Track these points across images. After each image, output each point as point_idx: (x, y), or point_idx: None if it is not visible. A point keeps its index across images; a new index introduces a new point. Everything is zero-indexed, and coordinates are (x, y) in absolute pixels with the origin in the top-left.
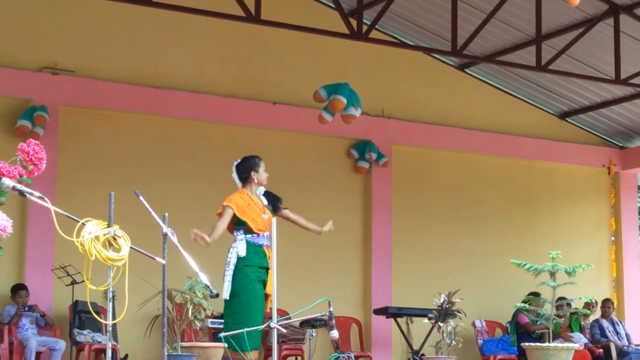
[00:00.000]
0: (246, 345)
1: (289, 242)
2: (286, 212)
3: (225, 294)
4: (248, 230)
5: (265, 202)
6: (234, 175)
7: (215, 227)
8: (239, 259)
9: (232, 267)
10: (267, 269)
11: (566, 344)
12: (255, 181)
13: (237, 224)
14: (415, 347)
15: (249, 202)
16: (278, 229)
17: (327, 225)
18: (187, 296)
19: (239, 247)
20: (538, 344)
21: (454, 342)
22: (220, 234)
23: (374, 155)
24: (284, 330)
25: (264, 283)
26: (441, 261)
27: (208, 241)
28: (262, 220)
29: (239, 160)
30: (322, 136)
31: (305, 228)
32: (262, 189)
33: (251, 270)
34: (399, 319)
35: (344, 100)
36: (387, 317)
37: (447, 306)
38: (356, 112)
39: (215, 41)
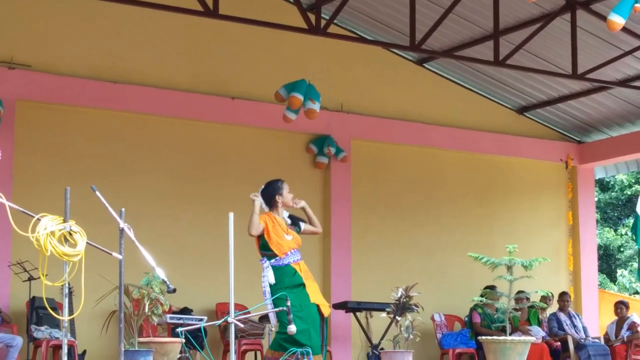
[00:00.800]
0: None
1: (247, 237)
2: (306, 227)
3: (273, 322)
4: (271, 256)
5: (289, 222)
6: (260, 200)
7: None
8: (272, 286)
9: (268, 295)
10: (300, 283)
11: (522, 337)
12: (280, 204)
13: (262, 248)
14: (375, 341)
15: (274, 224)
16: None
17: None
18: (144, 291)
19: (268, 275)
20: (495, 337)
21: (411, 336)
22: (255, 220)
23: (332, 150)
24: (242, 325)
25: (307, 296)
26: (400, 255)
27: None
28: (286, 241)
29: (264, 186)
30: (282, 131)
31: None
32: (286, 212)
33: (286, 292)
34: (358, 314)
35: (300, 97)
36: (346, 312)
37: (404, 300)
38: (315, 106)
39: (174, 36)
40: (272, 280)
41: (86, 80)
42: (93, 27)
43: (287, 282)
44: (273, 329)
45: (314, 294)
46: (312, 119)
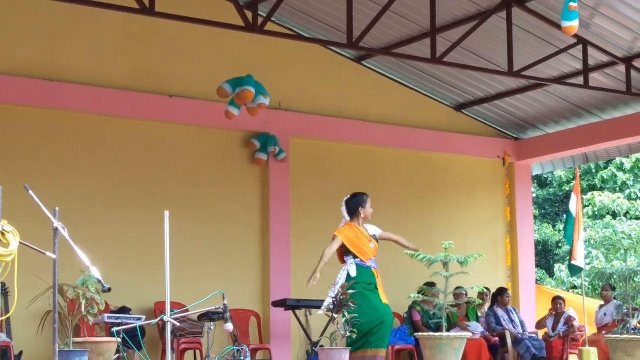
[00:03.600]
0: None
1: (188, 236)
2: (387, 234)
3: (324, 308)
4: (356, 256)
5: (370, 232)
6: (343, 209)
7: (323, 255)
8: (350, 278)
9: (338, 286)
10: (375, 284)
11: (459, 333)
12: (362, 216)
13: (347, 253)
14: (314, 339)
15: (357, 234)
16: (173, 221)
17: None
18: (80, 291)
19: (350, 269)
20: (431, 333)
21: (348, 334)
22: (328, 259)
23: (277, 149)
24: (177, 324)
25: (379, 297)
26: None
27: (318, 277)
28: (370, 249)
29: (349, 197)
30: (220, 129)
31: (403, 246)
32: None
33: (360, 286)
34: (297, 311)
35: (253, 90)
36: (285, 310)
37: (341, 297)
38: (266, 101)
39: (111, 33)
40: (354, 274)
41: (22, 78)
42: (29, 24)
43: (365, 279)
44: (321, 312)
45: (384, 297)
46: (256, 115)
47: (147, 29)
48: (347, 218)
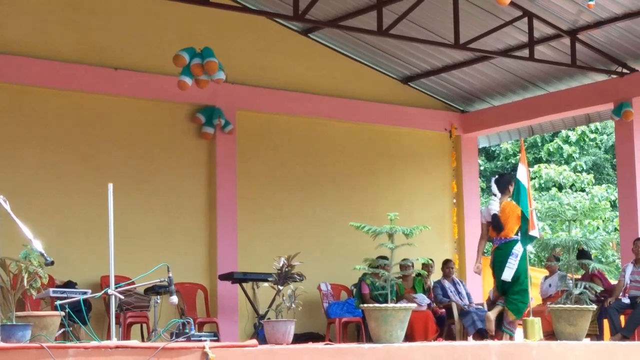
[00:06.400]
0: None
1: (134, 209)
2: None
3: (509, 277)
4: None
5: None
6: (494, 187)
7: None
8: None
9: (518, 258)
10: None
11: (403, 305)
12: (511, 193)
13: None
14: (261, 311)
15: (513, 208)
16: (119, 195)
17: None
18: (22, 265)
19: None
20: (376, 305)
21: (293, 305)
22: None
23: (222, 122)
24: (122, 297)
25: None
26: (287, 226)
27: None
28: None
29: (497, 176)
30: (166, 102)
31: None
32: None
33: (523, 258)
34: (244, 285)
35: (217, 62)
36: (232, 283)
37: (286, 270)
38: (224, 76)
39: (55, 6)
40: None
41: None
42: None
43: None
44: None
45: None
46: (203, 87)
47: (93, 1)
48: (498, 195)
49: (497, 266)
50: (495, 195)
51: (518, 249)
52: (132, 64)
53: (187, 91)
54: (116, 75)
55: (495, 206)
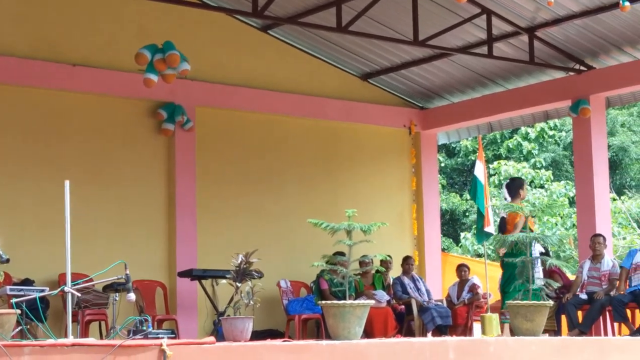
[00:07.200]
0: None
1: (92, 206)
2: None
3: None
4: None
5: None
6: (505, 192)
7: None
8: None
9: (538, 263)
10: None
11: (361, 301)
12: (521, 197)
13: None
14: (221, 308)
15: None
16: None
17: None
18: None
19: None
20: (334, 302)
21: (251, 302)
22: None
23: (184, 119)
24: (78, 294)
25: None
26: (246, 223)
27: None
28: None
29: (509, 181)
30: (124, 98)
31: None
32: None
33: None
34: (204, 281)
35: (179, 54)
36: (191, 280)
37: (244, 267)
38: (188, 66)
39: (8, 0)
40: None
41: None
42: None
43: None
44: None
45: None
46: (170, 82)
47: None
48: (509, 199)
49: (506, 266)
50: (506, 199)
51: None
52: (89, 60)
53: (145, 87)
54: (73, 71)
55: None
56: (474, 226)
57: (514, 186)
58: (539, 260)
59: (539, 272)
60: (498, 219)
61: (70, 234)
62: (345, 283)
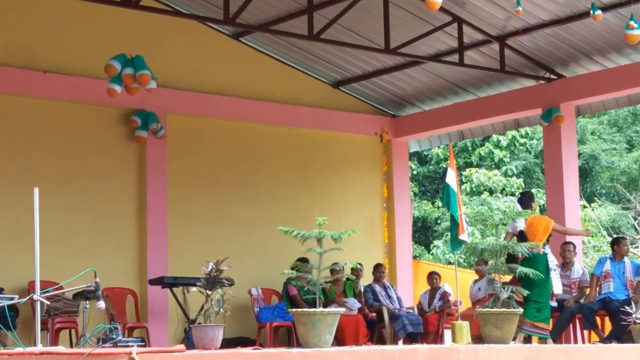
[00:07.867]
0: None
1: (62, 214)
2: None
3: (560, 289)
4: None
5: None
6: (517, 206)
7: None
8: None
9: (557, 272)
10: None
11: (332, 309)
12: (533, 209)
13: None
14: (192, 316)
15: (540, 220)
16: (46, 199)
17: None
18: None
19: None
20: (304, 309)
21: (222, 310)
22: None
23: (158, 126)
24: (47, 302)
25: None
26: (218, 230)
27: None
28: None
29: (520, 195)
30: (95, 105)
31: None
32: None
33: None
34: (175, 289)
35: (150, 73)
36: (162, 287)
37: (215, 274)
38: (155, 85)
39: None
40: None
41: None
42: None
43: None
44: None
45: None
46: (134, 94)
47: (21, 3)
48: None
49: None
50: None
51: (553, 263)
52: (61, 67)
53: (118, 95)
54: (45, 78)
55: (521, 223)
56: (447, 234)
57: (526, 199)
58: (556, 270)
59: (557, 282)
60: (504, 233)
61: (39, 241)
62: (316, 290)
